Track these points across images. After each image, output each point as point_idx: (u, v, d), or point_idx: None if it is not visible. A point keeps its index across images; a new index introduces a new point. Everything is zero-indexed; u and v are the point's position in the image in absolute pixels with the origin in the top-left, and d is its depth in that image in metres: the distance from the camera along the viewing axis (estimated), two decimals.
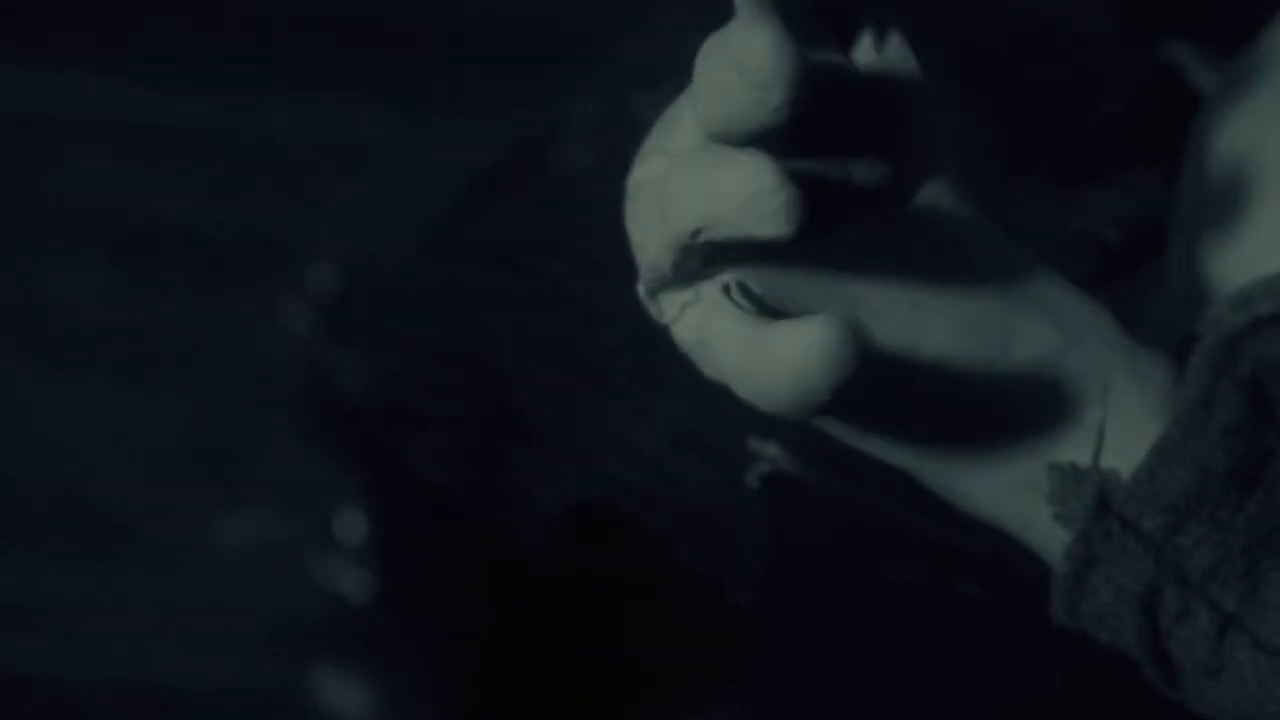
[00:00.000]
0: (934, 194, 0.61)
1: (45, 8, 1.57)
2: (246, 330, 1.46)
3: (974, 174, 0.85)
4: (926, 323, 0.61)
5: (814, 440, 0.65)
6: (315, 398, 1.21)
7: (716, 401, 0.64)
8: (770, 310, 0.59)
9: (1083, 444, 0.62)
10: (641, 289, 0.60)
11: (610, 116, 0.97)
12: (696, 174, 0.56)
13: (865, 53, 0.61)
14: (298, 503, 1.37)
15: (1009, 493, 0.63)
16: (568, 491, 0.95)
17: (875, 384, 0.60)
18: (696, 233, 0.56)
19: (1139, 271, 0.81)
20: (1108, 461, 0.62)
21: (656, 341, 0.66)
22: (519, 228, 0.99)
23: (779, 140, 0.56)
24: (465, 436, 0.99)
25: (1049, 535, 0.63)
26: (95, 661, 1.36)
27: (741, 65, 0.54)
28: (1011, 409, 0.62)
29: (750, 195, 0.55)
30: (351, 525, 1.29)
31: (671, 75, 0.63)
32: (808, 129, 0.57)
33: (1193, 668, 0.62)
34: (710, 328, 0.58)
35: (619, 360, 0.93)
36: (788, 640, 0.84)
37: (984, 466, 0.63)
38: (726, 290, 0.58)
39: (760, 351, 0.56)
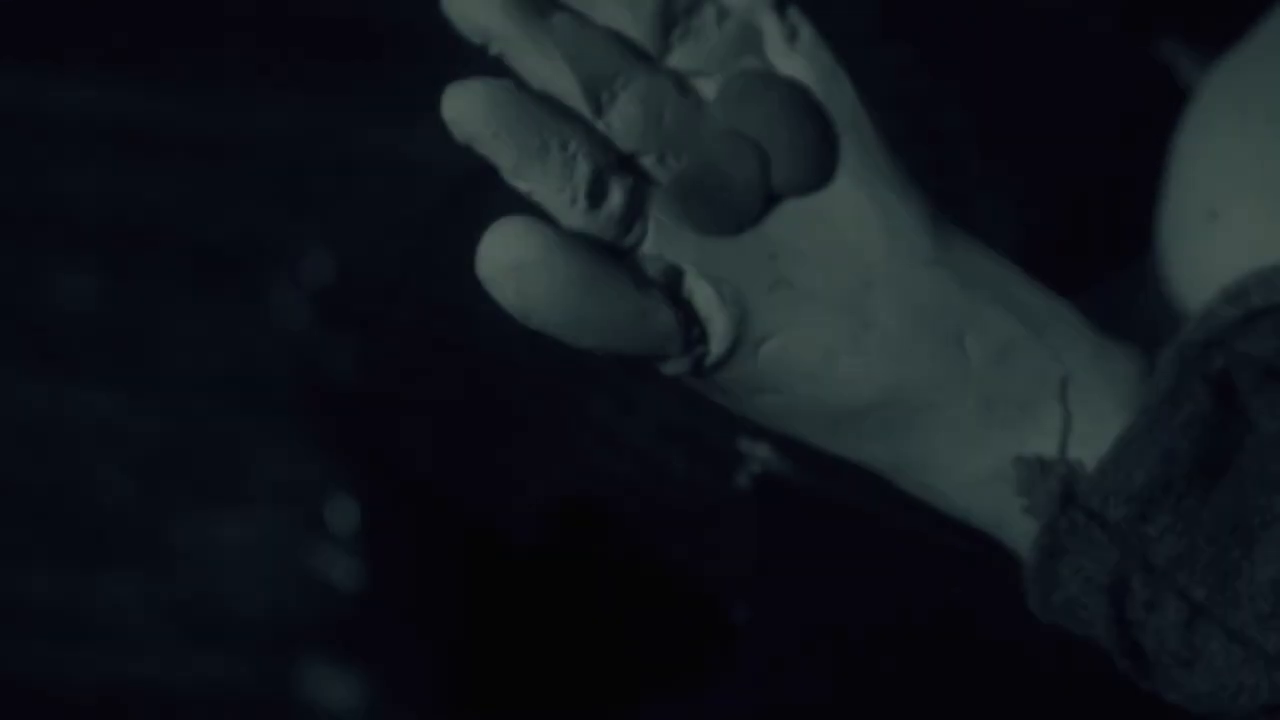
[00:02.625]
0: (868, 182, 0.62)
1: (44, 8, 1.58)
2: (240, 329, 1.46)
3: (959, 172, 0.86)
4: (874, 308, 0.62)
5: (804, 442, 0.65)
6: (306, 384, 1.22)
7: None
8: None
9: (1049, 436, 0.62)
10: None
11: None
12: None
13: (778, 46, 0.62)
14: (290, 498, 1.38)
15: (979, 487, 0.63)
16: (555, 481, 0.95)
17: (821, 364, 0.61)
18: None
19: (1123, 270, 0.81)
20: (1074, 453, 0.62)
21: None
22: None
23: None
24: (454, 425, 1.00)
25: (1021, 530, 0.63)
26: (89, 660, 1.37)
27: None
28: (974, 401, 0.62)
29: None
30: (342, 513, 1.29)
31: None
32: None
33: (1165, 659, 0.62)
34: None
35: None
36: (777, 639, 0.85)
37: (952, 461, 0.63)
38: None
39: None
